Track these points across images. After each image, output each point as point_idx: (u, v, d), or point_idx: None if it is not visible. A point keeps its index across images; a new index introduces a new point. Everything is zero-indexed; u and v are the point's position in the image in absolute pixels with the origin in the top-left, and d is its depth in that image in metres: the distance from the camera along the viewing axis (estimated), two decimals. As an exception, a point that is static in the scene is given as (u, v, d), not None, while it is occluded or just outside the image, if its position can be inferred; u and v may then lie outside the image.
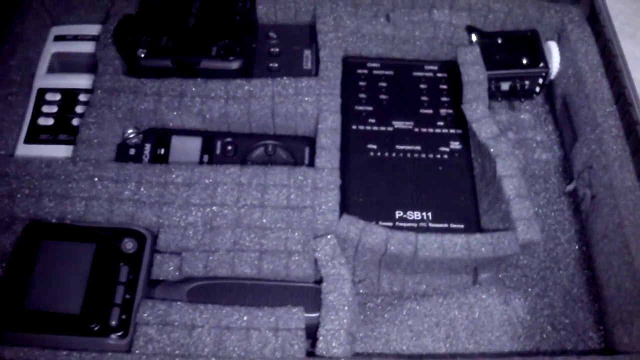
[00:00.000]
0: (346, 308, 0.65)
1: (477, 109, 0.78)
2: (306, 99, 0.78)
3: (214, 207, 0.70)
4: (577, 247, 0.79)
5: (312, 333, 0.65)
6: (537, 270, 0.77)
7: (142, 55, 0.78)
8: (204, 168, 0.73)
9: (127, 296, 0.66)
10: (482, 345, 0.72)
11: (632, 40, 1.03)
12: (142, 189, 0.71)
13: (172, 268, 0.68)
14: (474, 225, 0.74)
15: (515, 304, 0.75)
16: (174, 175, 0.72)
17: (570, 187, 0.81)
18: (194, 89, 0.78)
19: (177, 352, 0.62)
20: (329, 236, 0.69)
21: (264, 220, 0.70)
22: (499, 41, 0.85)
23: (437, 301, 0.75)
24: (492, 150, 0.74)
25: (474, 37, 0.85)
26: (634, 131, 0.74)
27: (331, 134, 0.76)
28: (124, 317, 0.64)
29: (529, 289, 0.76)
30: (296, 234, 0.69)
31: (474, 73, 0.80)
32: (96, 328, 0.63)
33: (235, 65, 0.79)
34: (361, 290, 0.75)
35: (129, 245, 0.68)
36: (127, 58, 0.79)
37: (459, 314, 0.74)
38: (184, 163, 0.75)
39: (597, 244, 0.75)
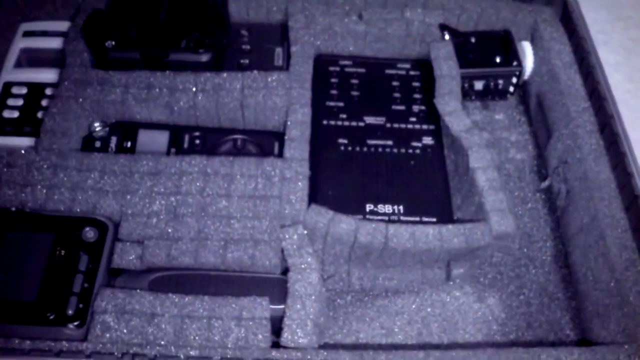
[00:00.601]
0: (313, 298, 0.63)
1: (449, 102, 0.77)
2: (276, 92, 0.76)
3: (178, 196, 0.68)
4: (552, 245, 0.77)
5: (277, 326, 0.62)
6: (513, 268, 0.76)
7: (110, 47, 0.77)
8: (170, 158, 0.71)
9: (86, 285, 0.63)
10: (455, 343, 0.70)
11: (607, 47, 1.04)
12: (105, 178, 0.69)
13: (133, 257, 0.65)
14: (446, 219, 0.72)
15: (490, 302, 0.73)
16: (138, 165, 0.70)
17: (545, 184, 0.80)
18: (162, 81, 0.77)
19: (134, 340, 0.59)
20: (296, 225, 0.67)
21: (230, 210, 0.68)
22: (472, 40, 0.84)
23: (410, 298, 0.73)
24: (464, 142, 0.73)
25: (446, 36, 0.84)
26: (608, 125, 0.74)
27: (301, 126, 0.74)
28: (81, 306, 0.62)
29: (504, 287, 0.74)
30: (263, 223, 0.67)
31: (447, 68, 0.79)
32: (52, 317, 0.61)
33: (204, 57, 0.78)
34: (330, 287, 0.72)
35: (89, 234, 0.66)
36: (95, 50, 0.78)
37: (432, 311, 0.72)
38: (149, 153, 0.73)
39: (573, 238, 0.74)
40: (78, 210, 0.68)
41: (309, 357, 0.58)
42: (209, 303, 0.62)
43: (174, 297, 0.62)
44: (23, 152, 0.72)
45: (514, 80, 0.84)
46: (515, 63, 0.83)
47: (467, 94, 0.84)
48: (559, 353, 0.60)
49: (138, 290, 0.63)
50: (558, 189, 0.77)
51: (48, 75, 0.82)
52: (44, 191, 0.68)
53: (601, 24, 1.07)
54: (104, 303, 0.61)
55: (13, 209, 0.68)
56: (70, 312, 0.61)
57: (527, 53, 0.85)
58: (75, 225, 0.66)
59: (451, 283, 0.73)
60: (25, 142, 0.76)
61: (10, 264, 0.63)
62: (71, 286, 0.63)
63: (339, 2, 0.86)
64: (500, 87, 0.84)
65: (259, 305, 0.62)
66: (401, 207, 0.72)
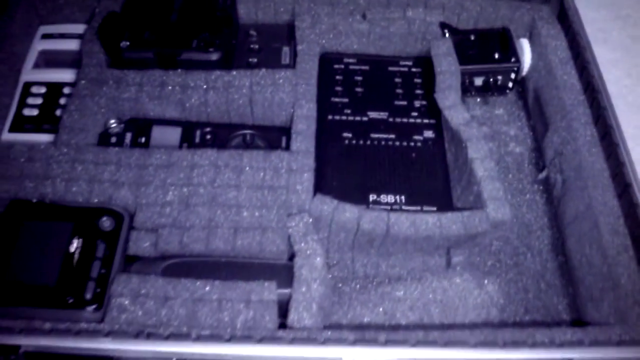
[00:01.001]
0: (318, 281, 0.66)
1: (449, 97, 0.80)
2: (283, 89, 0.80)
3: (190, 187, 0.72)
4: (550, 234, 0.80)
5: (284, 309, 0.66)
6: (511, 256, 0.79)
7: (125, 47, 0.81)
8: (182, 151, 0.75)
9: (103, 271, 0.67)
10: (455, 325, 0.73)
11: (606, 45, 1.07)
12: (121, 171, 0.73)
13: (148, 244, 0.69)
14: (446, 208, 0.75)
15: (489, 288, 0.76)
16: (152, 158, 0.74)
17: (542, 175, 0.83)
18: (174, 79, 0.80)
19: (149, 322, 0.63)
20: (302, 214, 0.70)
21: (240, 199, 0.71)
22: (472, 38, 0.87)
23: (411, 285, 0.76)
24: (463, 135, 0.76)
25: (447, 34, 0.87)
26: (601, 117, 0.76)
27: (307, 120, 0.78)
28: (98, 290, 0.65)
29: (503, 274, 0.77)
30: (270, 212, 0.71)
31: (447, 64, 0.82)
32: (71, 301, 0.64)
33: (214, 56, 0.81)
34: (335, 274, 0.75)
35: (106, 223, 0.70)
36: (111, 50, 0.82)
37: (433, 297, 0.75)
38: (163, 147, 0.77)
39: (568, 226, 0.77)
40: (95, 201, 0.72)
41: (313, 336, 0.61)
42: (219, 287, 0.65)
43: (186, 281, 0.65)
44: (43, 147, 0.75)
45: (513, 76, 0.87)
46: (513, 59, 0.86)
47: (468, 89, 0.87)
48: (553, 333, 0.63)
49: (152, 276, 0.66)
50: (554, 179, 0.80)
51: (65, 75, 0.85)
52: (63, 184, 0.72)
53: (600, 23, 1.10)
54: (120, 287, 0.65)
55: (34, 200, 0.72)
56: (88, 296, 0.65)
57: (525, 50, 0.88)
58: (93, 215, 0.70)
59: (451, 270, 0.76)
60: (44, 138, 0.80)
61: (32, 251, 0.67)
62: (89, 272, 0.66)
63: (344, 3, 0.90)
64: (499, 82, 0.87)
65: (266, 289, 0.65)
66: (403, 197, 0.75)
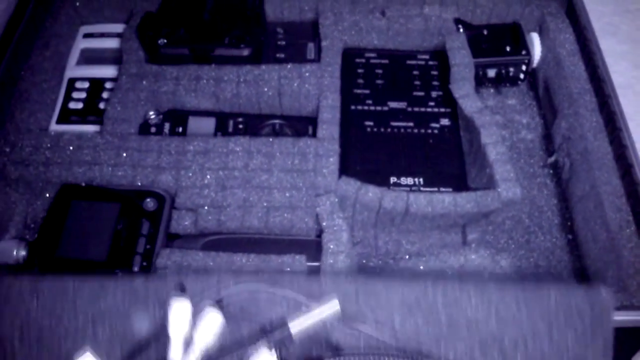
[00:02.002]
0: (344, 254, 0.72)
1: (463, 87, 0.86)
2: (309, 81, 0.86)
3: (226, 171, 0.78)
4: (559, 214, 0.86)
5: (313, 280, 0.72)
6: (523, 234, 0.84)
7: (163, 44, 0.88)
8: (218, 139, 0.82)
9: (148, 246, 0.74)
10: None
11: (614, 38, 1.12)
12: (162, 157, 0.80)
13: (188, 222, 0.75)
14: (462, 189, 0.80)
15: (502, 264, 0.81)
16: (190, 145, 0.81)
17: (551, 159, 0.89)
18: (208, 73, 0.87)
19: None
20: (328, 194, 0.77)
21: (271, 182, 0.78)
22: (485, 32, 0.93)
23: (430, 260, 0.81)
24: (477, 122, 0.82)
25: (461, 29, 0.93)
26: (606, 104, 0.82)
27: (331, 110, 0.84)
28: (144, 264, 0.72)
29: (516, 251, 0.83)
30: (299, 193, 0.77)
31: (460, 57, 0.88)
32: (120, 273, 0.71)
33: (245, 52, 0.88)
34: (359, 251, 0.81)
35: (150, 204, 0.76)
36: (149, 48, 0.89)
37: (451, 272, 0.81)
38: (199, 136, 0.83)
39: (575, 205, 0.82)
40: (139, 184, 0.79)
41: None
42: (254, 260, 0.71)
43: (225, 255, 0.72)
44: (90, 136, 0.82)
45: (524, 68, 0.92)
46: (524, 52, 0.92)
47: (482, 81, 0.93)
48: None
49: (192, 250, 0.73)
50: (562, 162, 0.86)
51: (106, 71, 0.93)
52: (110, 169, 0.79)
53: (609, 16, 1.15)
54: (164, 260, 0.71)
55: (83, 184, 0.79)
56: (135, 269, 0.72)
57: (535, 43, 0.93)
58: (138, 197, 0.77)
59: (467, 247, 0.82)
60: (89, 129, 0.86)
61: (85, 230, 0.74)
62: (135, 247, 0.73)
63: (364, 1, 0.96)
64: (511, 74, 0.93)
65: (297, 261, 0.71)
66: (421, 180, 0.81)
